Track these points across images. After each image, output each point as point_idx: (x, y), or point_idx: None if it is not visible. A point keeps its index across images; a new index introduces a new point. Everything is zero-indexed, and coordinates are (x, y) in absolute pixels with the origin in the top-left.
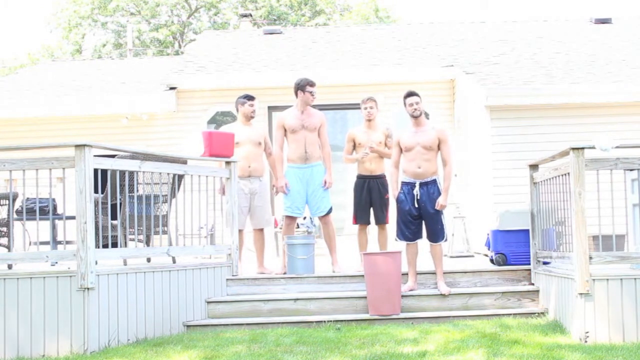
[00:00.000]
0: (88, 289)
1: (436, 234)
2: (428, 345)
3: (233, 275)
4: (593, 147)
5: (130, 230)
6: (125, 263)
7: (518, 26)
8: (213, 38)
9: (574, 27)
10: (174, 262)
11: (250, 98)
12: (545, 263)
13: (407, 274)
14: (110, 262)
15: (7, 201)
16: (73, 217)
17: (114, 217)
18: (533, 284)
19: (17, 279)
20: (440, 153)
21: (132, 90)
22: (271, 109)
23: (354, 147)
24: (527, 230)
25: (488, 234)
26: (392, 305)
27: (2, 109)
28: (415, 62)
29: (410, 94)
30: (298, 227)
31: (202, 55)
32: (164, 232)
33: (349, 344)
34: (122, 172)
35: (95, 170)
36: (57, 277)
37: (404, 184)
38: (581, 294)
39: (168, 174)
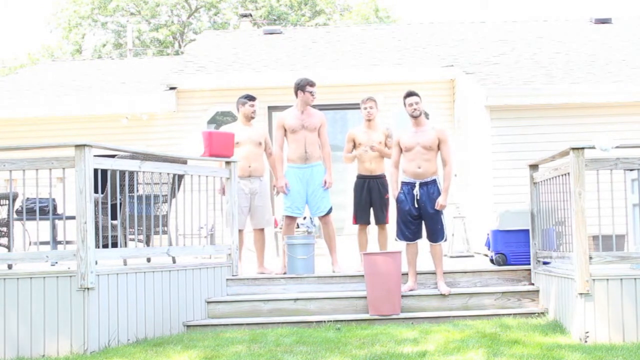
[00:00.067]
0: (88, 289)
1: (436, 234)
2: (428, 345)
3: (233, 275)
4: (593, 147)
5: (130, 230)
6: (125, 263)
7: (518, 26)
8: (213, 38)
9: (574, 27)
10: (174, 262)
11: (251, 98)
12: (545, 263)
13: (407, 274)
14: (110, 262)
15: (7, 201)
16: (73, 217)
17: (114, 217)
18: (533, 284)
19: (17, 279)
20: (440, 153)
21: (132, 90)
22: (271, 109)
23: (354, 147)
24: (527, 230)
25: (488, 234)
26: (392, 305)
27: (2, 109)
28: (415, 62)
29: (410, 94)
30: (298, 227)
31: (202, 55)
32: (164, 232)
33: (349, 344)
34: (122, 172)
35: (95, 170)
36: (57, 277)
37: (403, 184)
38: (581, 294)
39: (168, 174)
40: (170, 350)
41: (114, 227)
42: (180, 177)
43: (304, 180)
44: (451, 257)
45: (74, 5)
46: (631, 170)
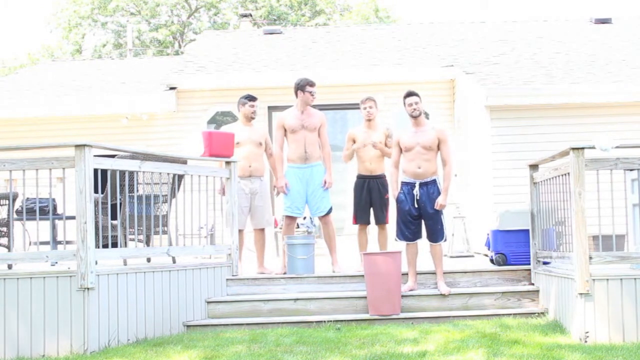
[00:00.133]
0: (88, 289)
1: (436, 234)
2: (428, 345)
3: (233, 275)
4: (593, 147)
5: (130, 230)
6: (125, 263)
7: (518, 26)
8: (213, 38)
9: (574, 27)
10: (174, 262)
11: (251, 99)
12: (545, 263)
13: (407, 274)
14: (110, 262)
15: (7, 201)
16: (73, 217)
17: (114, 217)
18: (533, 284)
19: (17, 279)
20: (440, 153)
21: (132, 90)
22: (271, 109)
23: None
24: (527, 230)
25: (488, 234)
26: (392, 305)
27: (2, 109)
28: (415, 62)
29: (410, 94)
30: (298, 227)
31: (202, 55)
32: (164, 232)
33: (349, 344)
34: (122, 172)
35: (95, 170)
36: (57, 277)
37: (403, 184)
38: (581, 294)
39: (168, 174)
40: (170, 350)
41: (114, 227)
42: (180, 177)
43: (304, 180)
44: (451, 257)
45: (74, 5)
46: (631, 170)
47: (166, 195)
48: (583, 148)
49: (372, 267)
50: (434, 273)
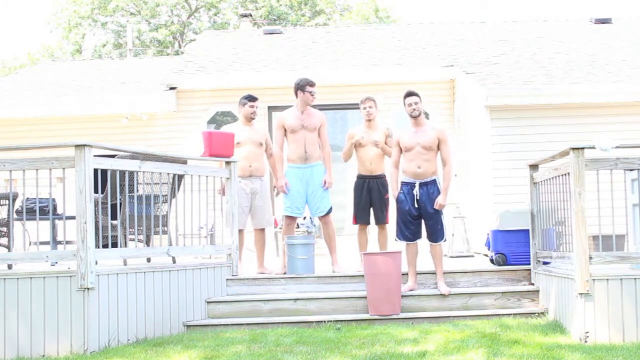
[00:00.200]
0: (88, 289)
1: (436, 234)
2: (428, 345)
3: (233, 275)
4: (593, 147)
5: (130, 230)
6: (125, 263)
7: (518, 26)
8: (213, 38)
9: (574, 27)
10: (174, 262)
11: (251, 99)
12: (545, 263)
13: (407, 274)
14: (110, 262)
15: (7, 201)
16: (73, 217)
17: (114, 217)
18: (533, 284)
19: (17, 279)
20: (440, 153)
21: (132, 90)
22: (271, 109)
23: (354, 147)
24: (527, 230)
25: (488, 234)
26: (392, 305)
27: (2, 109)
28: (415, 62)
29: (410, 94)
30: (298, 227)
31: (202, 55)
32: (164, 232)
33: (349, 344)
34: (122, 172)
35: (95, 170)
36: (57, 277)
37: (403, 184)
38: (581, 294)
39: (168, 174)
40: (170, 350)
41: (114, 227)
42: (180, 177)
43: (304, 180)
44: (451, 257)
45: (74, 5)
46: (631, 170)
47: (166, 195)
48: (583, 148)
49: (372, 267)
50: (434, 273)
